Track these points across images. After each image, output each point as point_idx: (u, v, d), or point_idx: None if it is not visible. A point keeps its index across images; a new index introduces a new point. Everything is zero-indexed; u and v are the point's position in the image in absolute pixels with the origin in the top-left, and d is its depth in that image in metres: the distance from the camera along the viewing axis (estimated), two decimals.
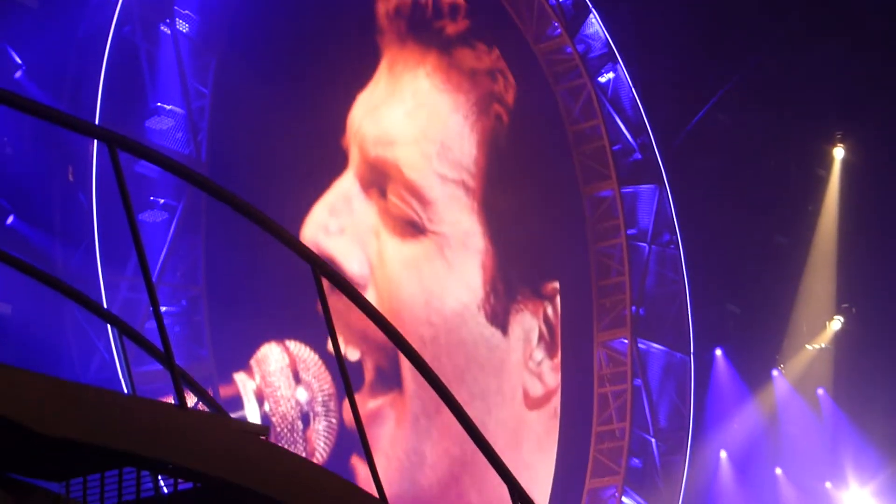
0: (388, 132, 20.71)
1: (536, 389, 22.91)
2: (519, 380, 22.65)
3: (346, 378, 6.54)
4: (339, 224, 19.42)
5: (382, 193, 20.28)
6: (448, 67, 22.04)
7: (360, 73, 20.72)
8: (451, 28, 22.27)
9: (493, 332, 22.09)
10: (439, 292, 21.15)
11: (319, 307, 6.22)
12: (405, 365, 19.16)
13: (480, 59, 22.72)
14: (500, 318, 22.24)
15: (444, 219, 21.33)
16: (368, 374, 19.22)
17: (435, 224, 21.09)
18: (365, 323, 18.54)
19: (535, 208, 23.50)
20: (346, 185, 19.83)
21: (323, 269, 6.06)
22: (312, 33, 20.03)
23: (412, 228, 20.69)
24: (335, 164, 19.89)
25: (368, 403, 19.14)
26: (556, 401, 23.27)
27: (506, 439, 21.83)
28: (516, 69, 23.64)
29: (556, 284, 23.66)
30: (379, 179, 20.31)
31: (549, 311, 23.38)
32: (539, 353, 23.00)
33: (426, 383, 6.39)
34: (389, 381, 19.52)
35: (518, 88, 23.31)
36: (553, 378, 23.26)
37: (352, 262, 19.37)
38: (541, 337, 23.07)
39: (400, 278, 20.35)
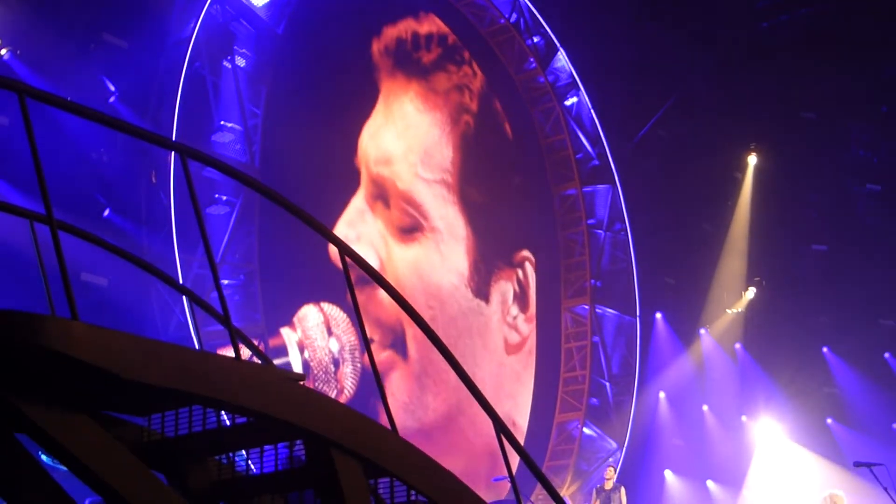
0: (385, 152, 20.65)
1: (514, 338, 23.00)
2: (500, 334, 22.68)
3: (366, 342, 6.56)
4: (356, 233, 19.38)
5: (386, 204, 20.29)
6: (426, 91, 21.96)
7: (366, 105, 20.68)
8: (427, 57, 22.21)
9: (478, 303, 22.11)
10: (435, 280, 21.14)
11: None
12: (410, 339, 19.26)
13: (450, 78, 22.65)
14: (482, 291, 22.26)
15: (435, 215, 21.30)
16: (382, 346, 19.15)
17: (429, 221, 21.08)
18: (378, 311, 18.63)
19: (516, 204, 23.50)
20: (359, 204, 19.80)
21: (347, 251, 6.10)
22: (336, 68, 20.08)
23: (411, 232, 20.67)
24: (352, 177, 19.86)
25: (382, 357, 19.16)
26: (530, 343, 23.34)
27: (491, 378, 21.95)
28: (501, 95, 23.66)
29: (524, 252, 23.60)
30: (381, 193, 20.30)
31: (521, 275, 23.40)
32: (514, 310, 23.07)
33: (426, 354, 6.38)
34: (398, 352, 19.53)
35: (498, 103, 23.35)
36: (526, 328, 23.33)
37: (368, 261, 19.34)
38: (515, 297, 23.12)
39: (404, 273, 20.34)
